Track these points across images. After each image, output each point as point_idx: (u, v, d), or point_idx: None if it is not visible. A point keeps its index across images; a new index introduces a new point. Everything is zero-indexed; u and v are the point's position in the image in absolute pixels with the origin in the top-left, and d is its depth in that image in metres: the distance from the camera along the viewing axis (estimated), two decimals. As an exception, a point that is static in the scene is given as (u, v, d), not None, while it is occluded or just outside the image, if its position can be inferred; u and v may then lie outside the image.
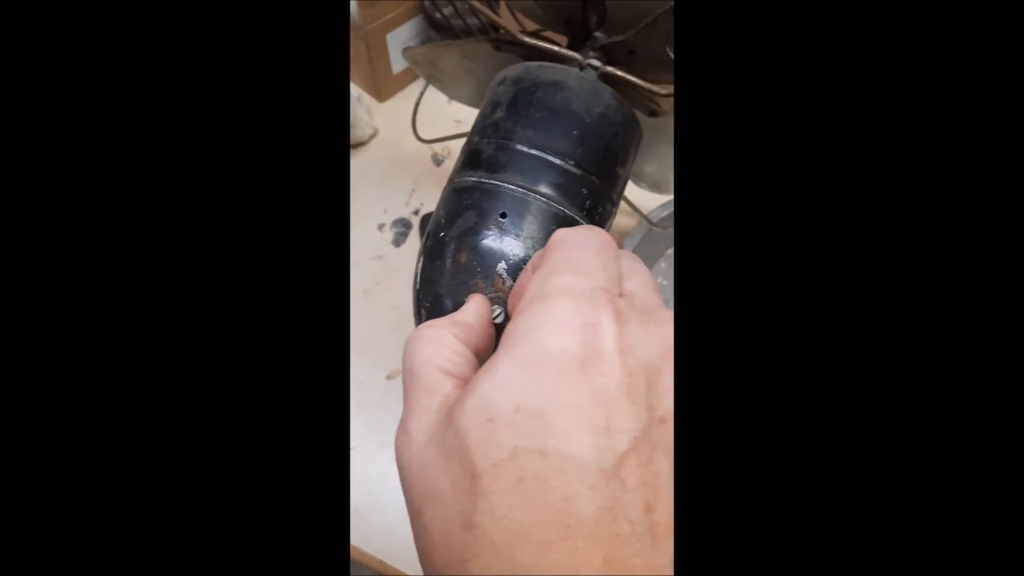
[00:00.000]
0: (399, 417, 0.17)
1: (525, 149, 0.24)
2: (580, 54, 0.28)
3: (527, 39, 0.29)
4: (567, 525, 0.13)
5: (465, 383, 0.16)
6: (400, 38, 0.57)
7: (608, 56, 0.30)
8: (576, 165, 0.24)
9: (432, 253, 0.23)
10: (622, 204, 0.33)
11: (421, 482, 0.15)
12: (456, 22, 0.52)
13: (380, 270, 0.49)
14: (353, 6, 0.52)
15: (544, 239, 0.23)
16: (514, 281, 0.22)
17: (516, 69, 0.27)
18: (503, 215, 0.23)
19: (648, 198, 0.43)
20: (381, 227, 0.52)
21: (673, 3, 0.25)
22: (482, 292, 0.22)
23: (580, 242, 0.17)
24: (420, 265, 0.24)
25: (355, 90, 0.56)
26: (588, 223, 0.24)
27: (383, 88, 0.59)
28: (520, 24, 0.34)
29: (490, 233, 0.22)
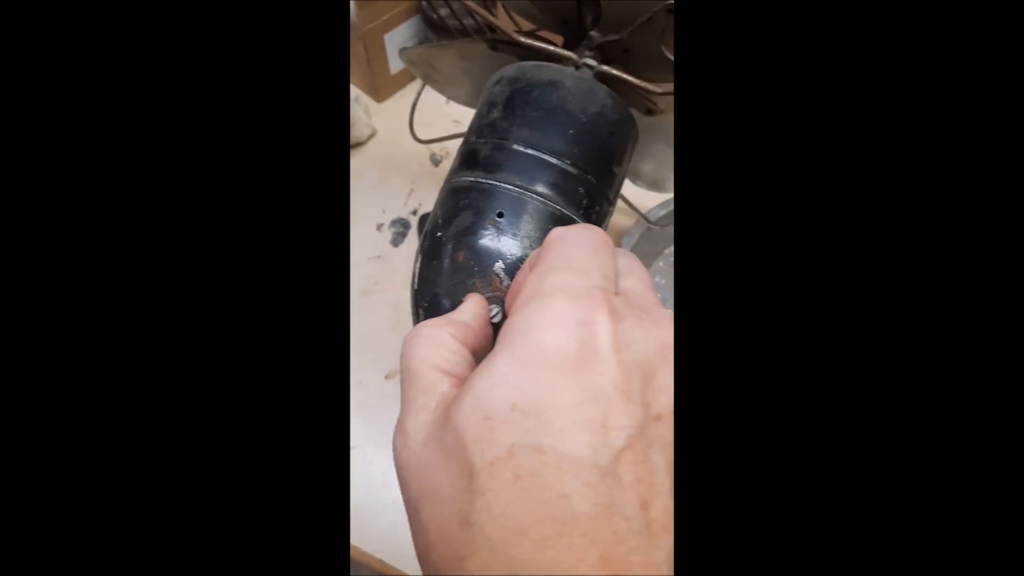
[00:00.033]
0: (397, 417, 0.17)
1: (521, 149, 0.24)
2: (576, 53, 0.28)
3: (523, 39, 0.29)
4: (563, 522, 0.13)
5: (462, 382, 0.16)
6: (398, 38, 0.57)
7: (604, 55, 0.30)
8: (572, 164, 0.24)
9: (429, 253, 0.23)
10: (620, 203, 0.33)
11: (419, 480, 0.15)
12: (453, 22, 0.52)
13: (378, 270, 0.49)
14: (351, 6, 0.52)
15: (541, 238, 0.23)
16: (511, 280, 0.22)
17: (512, 69, 0.27)
18: (500, 215, 0.23)
19: (646, 197, 0.43)
20: (379, 227, 0.52)
21: (667, 2, 0.25)
22: (479, 291, 0.22)
23: (576, 240, 0.18)
24: (418, 265, 0.24)
25: (353, 90, 0.56)
26: (585, 222, 0.24)
27: (381, 88, 0.59)
28: (516, 24, 0.34)
29: (487, 232, 0.22)
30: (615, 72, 0.28)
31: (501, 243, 0.22)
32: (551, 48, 0.29)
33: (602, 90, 0.26)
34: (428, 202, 0.53)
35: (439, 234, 0.23)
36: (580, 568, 0.13)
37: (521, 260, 0.22)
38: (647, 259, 0.49)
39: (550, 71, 0.26)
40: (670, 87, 0.28)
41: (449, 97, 0.41)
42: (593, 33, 0.29)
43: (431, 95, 0.42)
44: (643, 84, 0.28)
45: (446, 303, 0.22)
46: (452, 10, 0.33)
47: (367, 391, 0.43)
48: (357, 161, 0.56)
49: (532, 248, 0.23)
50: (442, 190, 0.25)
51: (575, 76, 0.26)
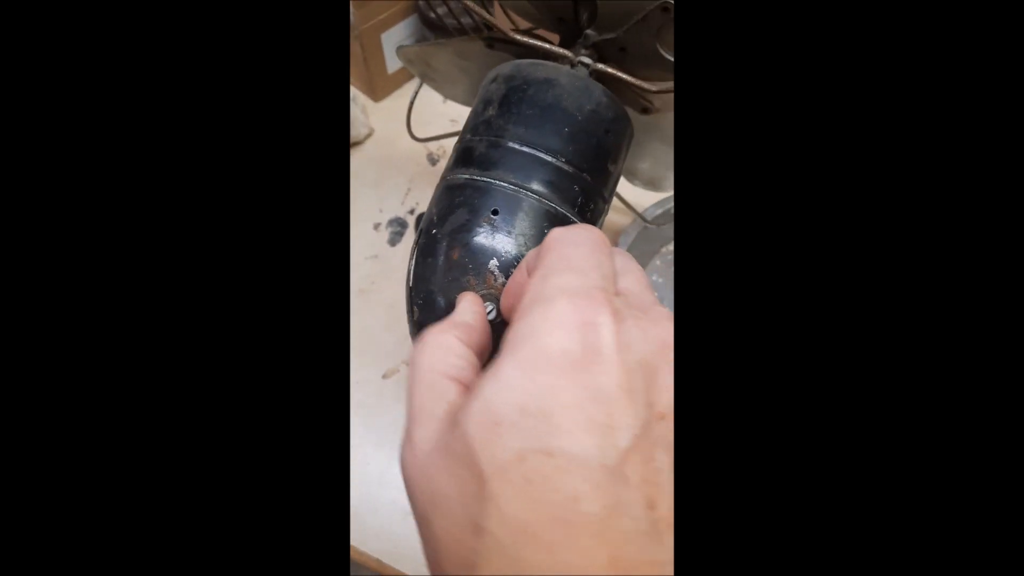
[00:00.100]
0: (396, 417, 0.17)
1: (517, 146, 0.24)
2: (572, 52, 0.28)
3: (519, 37, 0.29)
4: (574, 524, 0.13)
5: (469, 387, 0.16)
6: (395, 38, 0.57)
7: (600, 54, 0.30)
8: (568, 162, 0.24)
9: (425, 250, 0.23)
10: (616, 202, 0.33)
11: (428, 489, 0.15)
12: (451, 21, 0.52)
13: (376, 269, 0.49)
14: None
15: (536, 236, 0.23)
16: (506, 278, 0.22)
17: (508, 67, 0.27)
18: (495, 212, 0.23)
19: (642, 196, 0.43)
20: (377, 227, 0.52)
21: (663, 0, 0.25)
22: (474, 289, 0.22)
23: (575, 241, 0.18)
24: (413, 262, 0.24)
25: (350, 90, 0.56)
26: (580, 220, 0.24)
27: (378, 88, 0.59)
28: (513, 22, 0.34)
29: (482, 230, 0.22)
30: (611, 70, 0.28)
31: (496, 241, 0.22)
32: (547, 46, 0.29)
33: (597, 88, 0.26)
34: (425, 201, 0.53)
35: (434, 231, 0.23)
36: (590, 569, 0.13)
37: (516, 258, 0.22)
38: (644, 258, 0.48)
39: (546, 69, 0.26)
40: (666, 85, 0.28)
41: (446, 96, 0.41)
42: (589, 31, 0.29)
43: (429, 94, 0.42)
44: (638, 82, 0.28)
45: (441, 301, 0.22)
46: (450, 9, 0.33)
47: (365, 391, 0.43)
48: (354, 160, 0.56)
49: (527, 246, 0.23)
50: (438, 187, 0.25)
51: (571, 74, 0.26)
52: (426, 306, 0.23)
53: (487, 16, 0.30)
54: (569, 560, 0.13)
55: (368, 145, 0.57)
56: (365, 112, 0.57)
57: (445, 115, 0.56)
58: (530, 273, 0.18)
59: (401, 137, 0.58)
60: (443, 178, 0.25)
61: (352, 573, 0.37)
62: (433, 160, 0.56)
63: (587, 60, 0.28)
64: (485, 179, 0.23)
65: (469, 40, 0.32)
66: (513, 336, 0.15)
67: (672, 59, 0.28)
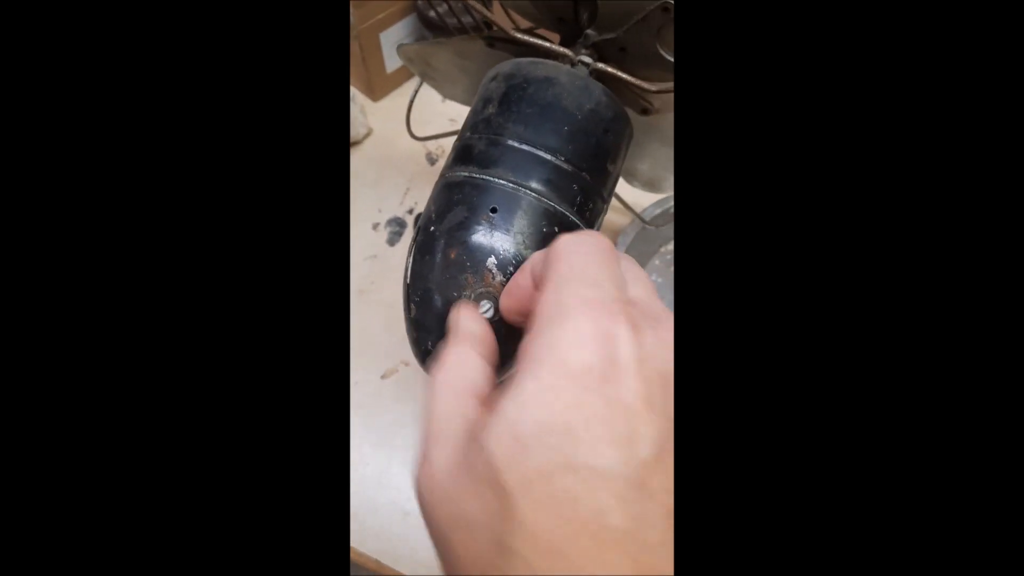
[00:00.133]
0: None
1: (516, 145, 0.24)
2: (572, 51, 0.28)
3: (520, 36, 0.29)
4: (600, 539, 0.13)
5: (486, 401, 0.16)
6: (393, 37, 0.57)
7: (600, 54, 0.30)
8: (567, 161, 0.24)
9: (422, 248, 0.23)
10: (615, 202, 0.33)
11: (449, 510, 0.15)
12: (451, 20, 0.52)
13: (375, 269, 0.49)
14: (346, 5, 0.52)
15: (534, 234, 0.23)
16: (504, 277, 0.22)
17: (508, 65, 0.27)
18: (493, 210, 0.23)
19: (641, 196, 0.43)
20: (376, 226, 0.52)
21: (663, 0, 0.25)
22: (472, 287, 0.22)
23: (584, 249, 0.17)
24: (410, 259, 0.24)
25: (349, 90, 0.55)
26: (579, 219, 0.24)
27: (377, 87, 0.59)
28: (513, 21, 0.34)
29: (480, 228, 0.22)
30: (610, 70, 0.28)
31: (494, 239, 0.22)
32: (548, 45, 0.29)
33: (597, 87, 0.26)
34: (424, 201, 0.53)
35: (432, 229, 0.23)
36: None
37: (515, 256, 0.22)
38: (643, 258, 0.48)
39: (546, 68, 0.26)
40: (665, 85, 0.28)
41: (446, 95, 0.41)
42: (589, 31, 0.29)
43: (428, 93, 0.42)
44: (637, 81, 0.28)
45: (438, 298, 0.22)
46: (450, 7, 0.33)
47: (363, 391, 0.43)
48: (353, 160, 0.56)
49: (525, 244, 0.22)
50: (436, 185, 0.25)
51: (570, 73, 0.26)
52: (423, 303, 0.23)
53: (488, 14, 0.30)
54: (596, 574, 0.13)
55: (367, 145, 0.57)
56: (364, 112, 0.57)
57: (444, 114, 0.56)
58: (537, 281, 0.18)
59: (400, 137, 0.58)
60: (442, 176, 0.25)
61: (351, 574, 0.37)
62: (432, 160, 0.56)
63: (587, 59, 0.28)
64: (484, 177, 0.23)
65: (469, 39, 0.32)
66: (532, 351, 0.15)
67: (672, 59, 0.28)
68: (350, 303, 0.47)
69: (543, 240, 0.23)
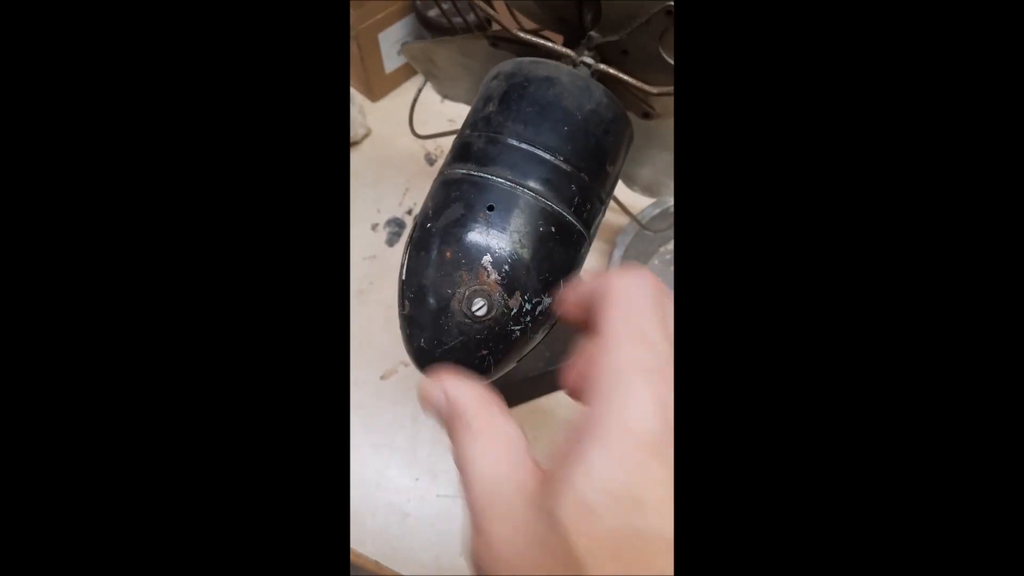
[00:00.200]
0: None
1: (515, 143, 0.24)
2: (574, 52, 0.28)
3: (523, 35, 0.29)
4: None
5: (533, 466, 0.17)
6: (392, 37, 0.57)
7: (602, 56, 0.30)
8: (566, 161, 0.24)
9: (418, 244, 0.23)
10: (612, 204, 0.33)
11: None
12: (456, 20, 0.52)
13: (374, 270, 0.49)
14: (345, 5, 0.52)
15: (531, 233, 0.23)
16: (499, 275, 0.22)
17: (509, 64, 0.27)
18: (491, 208, 0.23)
19: (639, 197, 0.43)
20: (375, 227, 0.52)
21: (666, 3, 0.25)
22: (466, 284, 0.22)
23: (640, 303, 0.17)
24: (406, 256, 0.24)
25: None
26: (576, 220, 0.24)
27: (376, 88, 0.59)
28: (517, 22, 0.34)
29: (477, 225, 0.22)
30: (612, 71, 0.28)
31: (490, 237, 0.22)
32: (550, 45, 0.29)
33: (598, 88, 0.26)
34: (423, 202, 0.53)
35: (428, 225, 0.23)
36: None
37: (511, 255, 0.22)
38: (642, 258, 0.49)
39: (547, 67, 0.26)
40: (666, 89, 0.28)
41: (448, 94, 0.41)
42: (592, 33, 0.29)
43: (427, 93, 0.42)
44: (638, 83, 0.28)
45: (432, 295, 0.22)
46: (454, 5, 0.33)
47: (363, 391, 0.43)
48: (352, 161, 0.56)
49: (521, 243, 0.22)
50: (435, 182, 0.25)
51: (572, 73, 0.26)
52: (417, 300, 0.23)
53: (491, 13, 0.30)
54: None
55: (366, 145, 0.57)
56: (363, 112, 0.56)
57: (443, 115, 0.56)
58: (586, 305, 0.18)
59: (399, 137, 0.58)
60: (440, 173, 0.25)
61: (351, 575, 0.37)
62: (431, 160, 0.56)
63: (589, 61, 0.28)
64: (482, 175, 0.23)
65: (473, 38, 0.32)
66: (595, 418, 0.16)
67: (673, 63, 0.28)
68: (350, 304, 0.47)
69: (539, 239, 0.23)
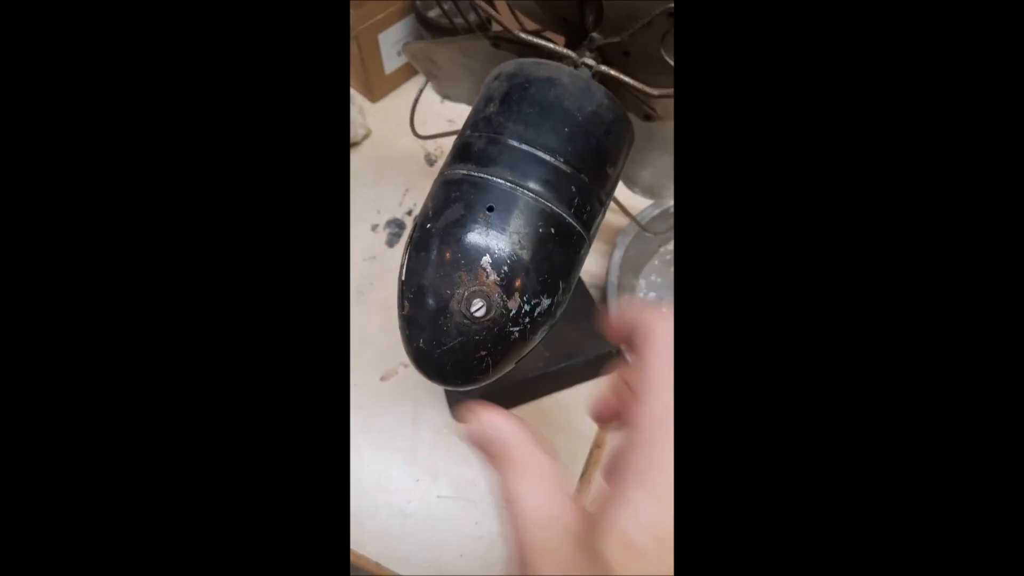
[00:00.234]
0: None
1: (516, 144, 0.24)
2: (576, 53, 0.28)
3: (525, 36, 0.29)
4: None
5: (568, 502, 0.17)
6: (392, 38, 0.57)
7: (604, 57, 0.30)
8: (566, 162, 0.24)
9: (418, 244, 0.23)
10: (613, 204, 0.33)
11: None
12: (458, 20, 0.52)
13: (374, 271, 0.49)
14: (345, 6, 0.52)
15: (530, 234, 0.23)
16: (498, 275, 0.22)
17: (511, 65, 0.27)
18: (490, 209, 0.22)
19: (639, 199, 0.43)
20: (375, 228, 0.52)
21: (668, 5, 0.25)
22: (465, 285, 0.22)
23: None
24: (406, 256, 0.24)
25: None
26: (576, 221, 0.24)
27: (375, 88, 0.59)
28: (519, 22, 0.34)
29: (476, 226, 0.22)
30: (613, 72, 0.28)
31: (489, 237, 0.22)
32: (552, 46, 0.29)
33: (599, 90, 0.26)
34: (423, 203, 0.53)
35: (428, 226, 0.23)
36: None
37: (510, 256, 0.22)
38: (642, 258, 0.49)
39: (548, 68, 0.26)
40: (666, 90, 0.28)
41: (449, 95, 0.41)
42: (594, 34, 0.29)
43: (426, 95, 0.42)
44: (639, 85, 0.28)
45: (431, 296, 0.22)
46: (455, 5, 0.33)
47: (362, 392, 0.43)
48: (352, 161, 0.56)
49: (520, 244, 0.22)
50: (435, 183, 0.25)
51: (573, 74, 0.26)
52: (416, 301, 0.23)
53: (493, 13, 0.30)
54: None
55: (365, 146, 0.57)
56: (362, 113, 0.56)
57: (443, 115, 0.56)
58: (628, 333, 0.19)
59: (399, 138, 0.58)
60: (441, 173, 0.25)
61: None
62: (431, 161, 0.56)
63: (591, 62, 0.28)
64: (482, 175, 0.23)
65: (474, 38, 0.32)
66: (637, 462, 0.16)
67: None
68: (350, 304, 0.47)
69: (539, 240, 0.23)
